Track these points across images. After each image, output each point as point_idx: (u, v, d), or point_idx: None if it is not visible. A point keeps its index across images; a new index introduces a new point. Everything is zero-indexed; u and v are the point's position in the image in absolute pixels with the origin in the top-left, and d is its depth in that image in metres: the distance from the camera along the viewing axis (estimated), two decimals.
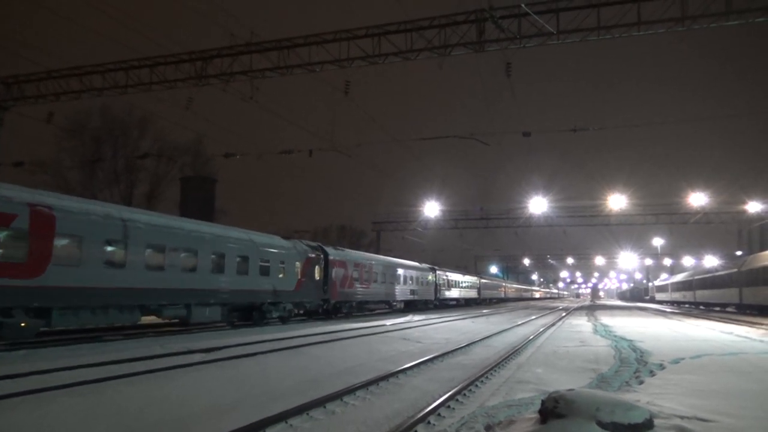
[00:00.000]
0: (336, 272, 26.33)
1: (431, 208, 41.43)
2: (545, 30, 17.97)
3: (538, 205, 38.22)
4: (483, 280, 64.02)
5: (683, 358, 11.69)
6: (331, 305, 26.03)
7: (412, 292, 38.08)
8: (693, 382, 8.73)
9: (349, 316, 27.96)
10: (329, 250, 26.49)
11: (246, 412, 6.89)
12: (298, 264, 22.78)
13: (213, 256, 17.86)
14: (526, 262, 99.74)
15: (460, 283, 52.18)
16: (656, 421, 5.64)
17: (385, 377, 9.52)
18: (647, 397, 7.29)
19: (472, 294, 57.23)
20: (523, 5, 17.74)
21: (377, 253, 44.17)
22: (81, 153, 41.50)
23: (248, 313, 20.13)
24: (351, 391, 8.26)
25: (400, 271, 36.22)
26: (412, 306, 38.58)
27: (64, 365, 9.66)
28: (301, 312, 24.87)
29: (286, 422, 6.55)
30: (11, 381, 8.32)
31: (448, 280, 47.81)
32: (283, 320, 21.88)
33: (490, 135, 22.43)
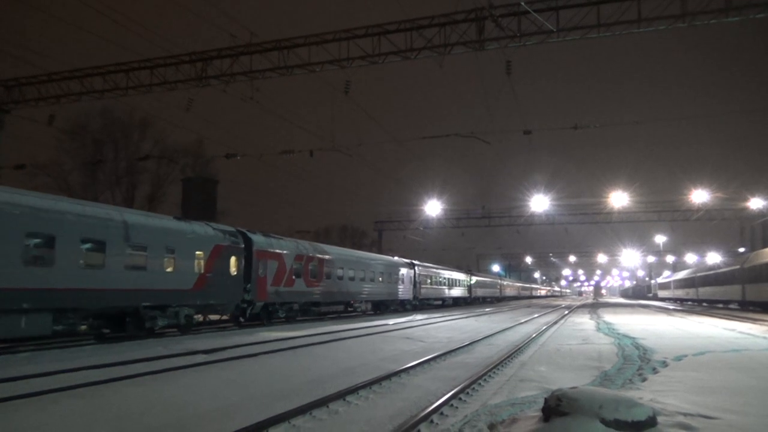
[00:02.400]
0: (265, 266, 21.01)
1: (433, 207, 41.39)
2: (545, 28, 17.95)
3: (539, 203, 38.19)
4: (475, 277, 58.74)
5: (686, 355, 11.67)
6: (258, 308, 20.69)
7: (383, 290, 32.59)
8: (696, 379, 8.72)
9: (291, 321, 22.85)
10: (255, 237, 21.00)
11: (249, 413, 6.89)
12: (199, 254, 17.62)
13: (30, 241, 12.62)
14: (528, 260, 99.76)
15: (446, 280, 47.05)
16: (659, 419, 5.63)
17: (387, 376, 9.51)
18: (650, 395, 7.28)
19: (462, 292, 52.36)
20: (522, 3, 17.73)
21: (379, 252, 43.49)
22: (82, 155, 41.56)
23: (122, 321, 15.33)
24: (354, 390, 8.25)
25: (365, 266, 30.51)
26: (383, 307, 33.40)
27: (67, 367, 9.68)
28: (225, 317, 20.51)
29: (289, 422, 6.55)
30: (15, 383, 8.33)
31: (430, 277, 42.62)
32: (182, 329, 16.96)
33: (491, 133, 22.48)
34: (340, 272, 27.18)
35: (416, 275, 38.75)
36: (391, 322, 23.69)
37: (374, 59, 20.11)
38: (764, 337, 15.83)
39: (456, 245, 63.75)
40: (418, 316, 29.01)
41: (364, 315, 29.89)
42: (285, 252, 22.60)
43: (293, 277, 22.90)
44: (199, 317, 18.78)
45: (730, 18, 17.05)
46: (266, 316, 21.40)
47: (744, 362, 10.65)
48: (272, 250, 21.72)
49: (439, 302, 45.82)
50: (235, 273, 19.25)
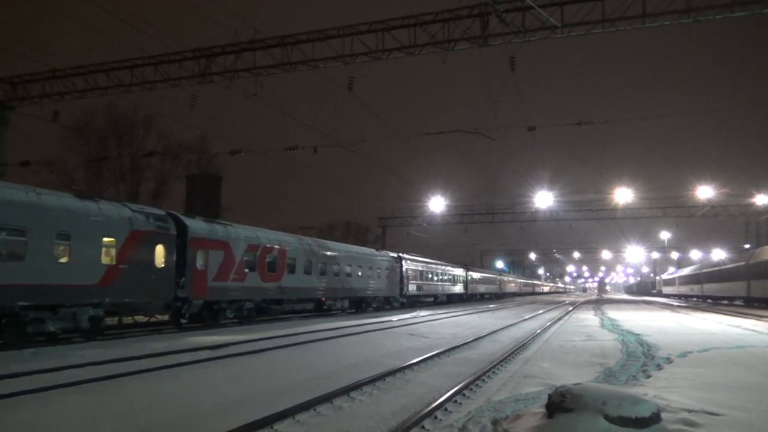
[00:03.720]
0: (206, 257, 17.84)
1: (436, 204, 41.34)
2: (549, 23, 17.88)
3: (543, 199, 38.13)
4: (471, 273, 55.33)
5: (690, 352, 11.66)
6: (196, 307, 17.44)
7: (363, 286, 29.29)
8: (700, 375, 8.71)
9: (246, 322, 19.71)
10: (192, 222, 17.77)
11: (253, 409, 6.91)
12: (109, 240, 14.38)
13: None
14: (532, 256, 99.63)
15: (438, 275, 43.81)
16: (663, 415, 5.63)
17: (391, 372, 9.53)
18: (654, 391, 7.28)
19: (457, 289, 49.09)
20: None
21: (383, 249, 42.59)
22: (86, 152, 41.71)
23: None
24: (358, 386, 8.27)
25: (340, 258, 26.79)
26: (365, 305, 30.07)
27: (72, 363, 9.73)
28: (164, 318, 17.72)
29: (294, 418, 6.57)
30: (20, 379, 8.38)
31: (420, 271, 39.27)
32: (86, 334, 13.79)
33: (495, 129, 22.20)
34: (307, 265, 23.59)
35: (403, 269, 35.48)
36: (394, 318, 23.72)
37: (378, 55, 20.10)
38: None
39: (460, 241, 63.66)
40: (422, 313, 29.03)
41: (341, 314, 26.86)
42: (234, 241, 19.30)
43: (245, 270, 19.67)
44: (111, 319, 15.62)
45: (736, 13, 16.97)
46: (210, 316, 18.34)
47: (748, 359, 10.63)
48: (216, 239, 18.44)
49: (431, 299, 42.86)
50: (163, 265, 16.05)
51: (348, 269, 27.48)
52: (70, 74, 23.73)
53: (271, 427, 6.16)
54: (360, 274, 28.87)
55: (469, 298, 52.75)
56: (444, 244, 62.79)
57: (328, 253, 26.08)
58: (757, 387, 7.74)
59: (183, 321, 17.54)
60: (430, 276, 41.78)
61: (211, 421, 6.55)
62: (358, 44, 20.10)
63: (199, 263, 17.64)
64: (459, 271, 51.25)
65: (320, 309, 26.35)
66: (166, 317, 18.25)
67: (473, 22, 18.88)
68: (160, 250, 16.03)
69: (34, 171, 33.13)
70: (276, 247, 21.68)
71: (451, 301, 47.11)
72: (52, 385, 7.75)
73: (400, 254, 36.76)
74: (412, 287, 37.12)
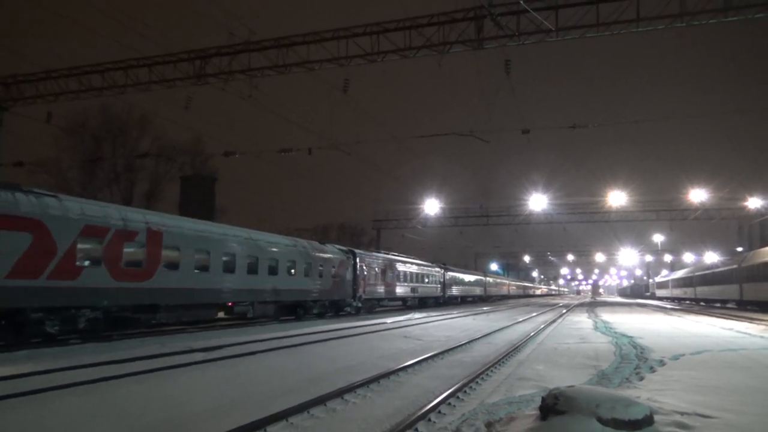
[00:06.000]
0: (28, 239, 12.16)
1: (431, 206, 41.41)
2: (544, 27, 17.96)
3: (537, 202, 38.27)
4: (450, 273, 49.29)
5: (683, 355, 11.71)
6: None
7: (296, 287, 22.96)
8: (693, 378, 8.75)
9: (100, 337, 14.14)
10: None
11: (247, 411, 6.90)
12: None
13: None
14: (527, 259, 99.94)
15: (406, 276, 37.16)
16: (656, 417, 5.66)
17: (385, 375, 9.52)
18: (647, 394, 7.31)
19: (431, 291, 43.10)
20: (521, 2, 17.71)
21: (377, 251, 39.95)
22: (81, 153, 41.72)
23: None
24: (352, 388, 8.26)
25: (260, 250, 20.58)
26: (303, 311, 23.74)
27: (67, 365, 9.69)
28: None
29: (287, 420, 6.56)
30: (14, 381, 8.34)
31: (382, 270, 33.08)
32: None
33: (490, 132, 22.47)
34: (201, 257, 17.49)
35: (357, 267, 28.97)
36: (389, 320, 23.70)
37: (373, 58, 20.12)
38: (761, 337, 15.89)
39: (455, 244, 63.81)
40: (417, 315, 29.02)
41: (266, 322, 21.46)
42: (55, 219, 12.88)
43: (80, 262, 13.54)
44: None
45: (729, 18, 17.09)
46: (15, 330, 12.38)
47: (741, 361, 10.69)
48: (14, 215, 12.05)
49: (398, 303, 37.23)
50: None
51: (272, 264, 21.25)
52: (65, 75, 23.65)
53: (264, 430, 6.15)
54: (293, 271, 22.76)
55: (448, 302, 47.34)
56: (438, 246, 62.86)
57: (240, 243, 19.57)
58: (749, 390, 7.78)
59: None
60: (394, 275, 34.98)
61: (205, 423, 6.53)
62: (353, 46, 20.13)
63: (25, 248, 12.09)
64: (435, 271, 45.10)
65: (239, 317, 20.43)
66: None
67: (468, 25, 18.95)
68: None
69: (28, 171, 33.11)
70: (142, 231, 15.32)
71: (425, 305, 41.40)
72: (48, 387, 7.71)
73: (352, 249, 30.86)
74: (369, 289, 30.72)
